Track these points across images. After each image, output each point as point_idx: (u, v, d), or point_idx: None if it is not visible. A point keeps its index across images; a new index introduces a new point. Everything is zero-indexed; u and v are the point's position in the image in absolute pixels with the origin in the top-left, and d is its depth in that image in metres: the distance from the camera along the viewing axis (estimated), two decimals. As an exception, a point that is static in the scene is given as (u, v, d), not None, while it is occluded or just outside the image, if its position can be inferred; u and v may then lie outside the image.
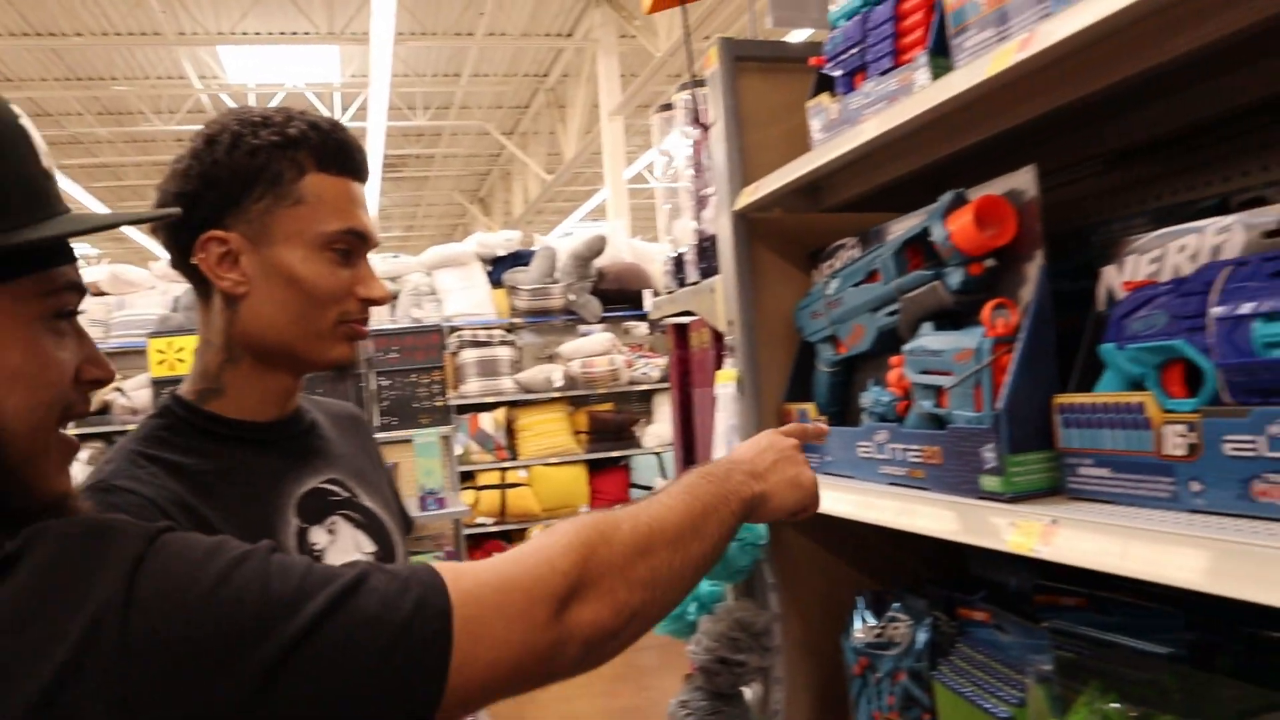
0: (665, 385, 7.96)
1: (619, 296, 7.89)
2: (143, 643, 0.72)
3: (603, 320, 7.86)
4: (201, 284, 1.25)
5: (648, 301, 8.22)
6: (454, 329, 7.25)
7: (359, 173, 1.28)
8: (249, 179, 1.19)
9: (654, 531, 0.99)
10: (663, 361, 7.96)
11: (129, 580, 0.74)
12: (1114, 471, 1.10)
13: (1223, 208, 1.43)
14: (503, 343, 7.43)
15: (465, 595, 0.85)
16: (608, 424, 7.78)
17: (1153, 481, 1.04)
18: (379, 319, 6.91)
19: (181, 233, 1.22)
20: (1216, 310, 0.98)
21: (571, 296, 7.64)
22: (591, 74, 12.76)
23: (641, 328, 8.46)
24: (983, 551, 1.70)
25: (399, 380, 6.36)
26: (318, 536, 1.25)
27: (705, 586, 1.78)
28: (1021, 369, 1.20)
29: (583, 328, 7.96)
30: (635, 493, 7.82)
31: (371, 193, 15.30)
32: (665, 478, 7.82)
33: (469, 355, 7.26)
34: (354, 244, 1.25)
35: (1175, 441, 1.02)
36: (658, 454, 7.88)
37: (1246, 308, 0.95)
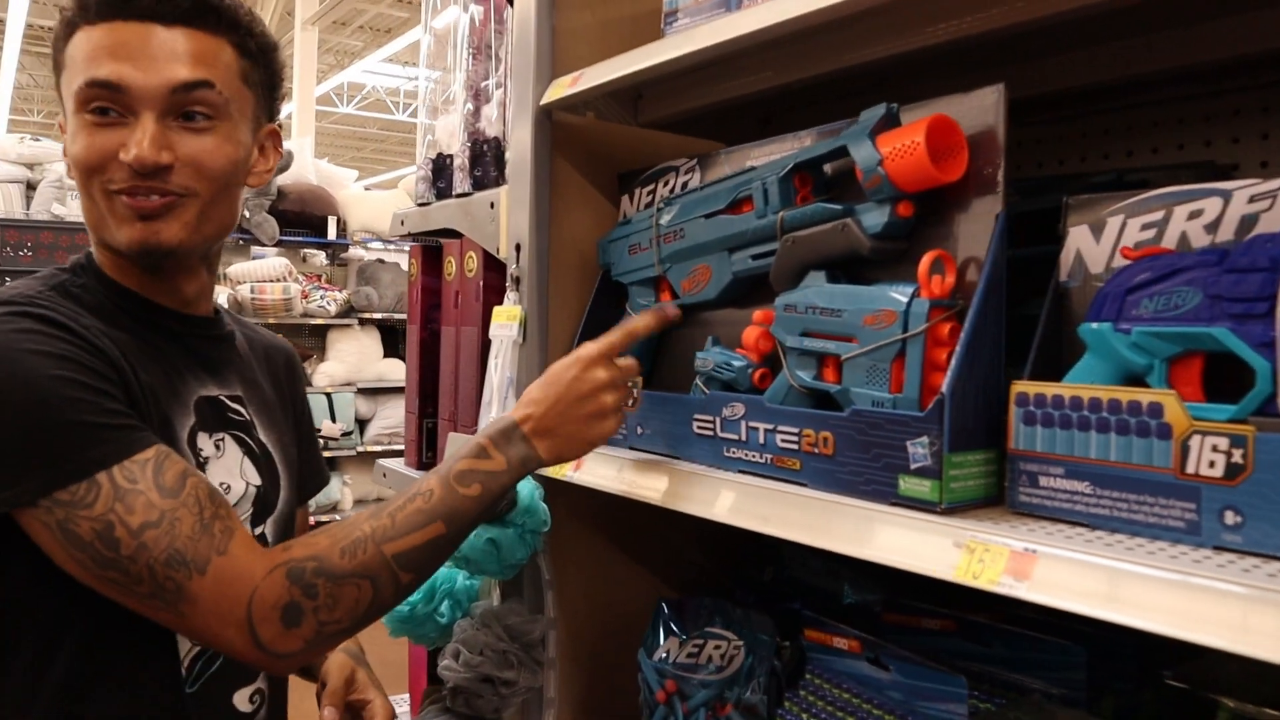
0: (341, 321, 7.37)
1: (300, 220, 7.20)
2: None
3: (279, 244, 7.12)
4: None
5: (332, 229, 7.56)
6: (102, 232, 6.27)
7: (126, 9, 1.03)
8: (56, 59, 1.08)
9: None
10: (342, 295, 7.35)
11: None
12: (1097, 487, 0.84)
13: (1119, 184, 1.25)
14: (161, 254, 6.52)
15: None
16: (275, 358, 7.05)
17: (1161, 505, 0.80)
18: (8, 210, 5.86)
19: None
20: (1294, 292, 0.74)
21: (246, 213, 6.84)
22: (286, -25, 11.66)
23: (320, 257, 7.79)
24: (804, 553, 1.44)
25: (28, 284, 5.36)
26: (205, 444, 1.10)
27: (461, 580, 1.39)
28: (971, 343, 0.92)
29: (256, 249, 7.18)
30: (298, 435, 7.16)
31: (8, 67, 13.19)
32: (335, 420, 7.25)
33: (118, 264, 6.31)
34: (108, 98, 1.02)
35: (1208, 458, 0.77)
36: (328, 394, 7.27)
37: (1342, 292, 0.72)
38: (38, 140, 6.49)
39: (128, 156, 1.00)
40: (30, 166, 6.26)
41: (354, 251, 7.79)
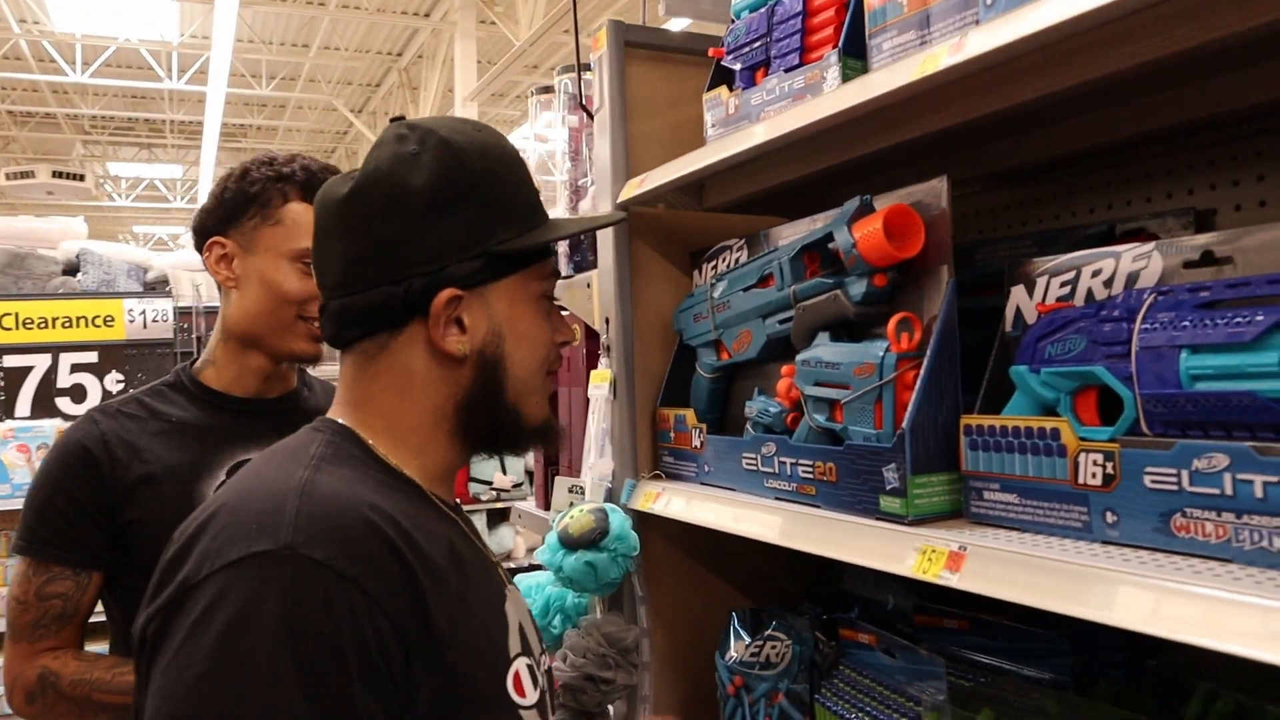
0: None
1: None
2: None
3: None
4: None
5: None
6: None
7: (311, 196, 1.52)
8: (247, 202, 1.57)
9: None
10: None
11: None
12: (1022, 498, 1.06)
13: (1110, 235, 1.43)
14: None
15: None
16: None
17: (1064, 510, 1.01)
18: (210, 298, 6.54)
19: (199, 238, 1.62)
20: (1141, 339, 0.95)
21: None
22: (448, 57, 12.46)
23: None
24: (856, 568, 1.67)
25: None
26: None
27: (571, 598, 1.68)
28: (927, 387, 1.15)
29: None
30: (473, 487, 7.61)
31: (207, 161, 14.58)
32: (505, 473, 7.66)
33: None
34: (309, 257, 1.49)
35: (1091, 470, 0.98)
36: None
37: (1173, 338, 0.92)
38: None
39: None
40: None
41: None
